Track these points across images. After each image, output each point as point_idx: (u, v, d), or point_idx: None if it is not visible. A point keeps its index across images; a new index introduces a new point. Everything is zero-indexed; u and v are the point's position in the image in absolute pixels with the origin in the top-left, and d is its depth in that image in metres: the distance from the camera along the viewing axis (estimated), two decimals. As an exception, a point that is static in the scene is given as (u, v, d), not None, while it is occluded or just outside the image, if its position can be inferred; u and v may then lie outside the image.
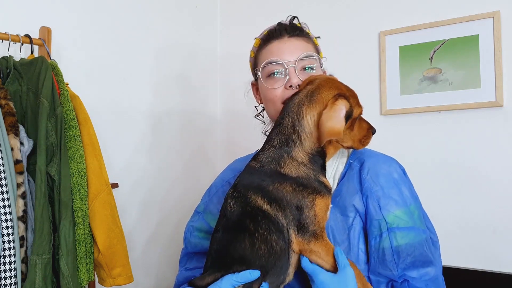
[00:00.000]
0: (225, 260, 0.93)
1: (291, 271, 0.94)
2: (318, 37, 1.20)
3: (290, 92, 1.05)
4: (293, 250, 0.91)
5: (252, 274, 0.89)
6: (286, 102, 1.01)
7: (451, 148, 1.84)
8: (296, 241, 0.91)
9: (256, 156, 0.99)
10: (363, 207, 1.01)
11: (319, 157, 0.96)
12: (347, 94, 0.97)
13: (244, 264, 0.91)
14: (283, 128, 0.97)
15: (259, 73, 1.12)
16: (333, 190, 1.05)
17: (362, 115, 1.02)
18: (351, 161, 1.08)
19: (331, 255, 0.91)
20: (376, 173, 1.03)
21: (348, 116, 0.96)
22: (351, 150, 1.12)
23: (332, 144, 0.99)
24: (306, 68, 1.08)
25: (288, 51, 1.09)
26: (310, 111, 0.95)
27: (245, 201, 0.93)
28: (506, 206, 1.73)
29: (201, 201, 1.27)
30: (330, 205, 0.97)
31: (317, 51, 1.15)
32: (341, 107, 0.93)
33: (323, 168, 0.97)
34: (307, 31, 1.16)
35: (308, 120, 0.95)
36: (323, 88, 0.97)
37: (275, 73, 1.08)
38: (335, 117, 0.92)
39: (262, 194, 0.92)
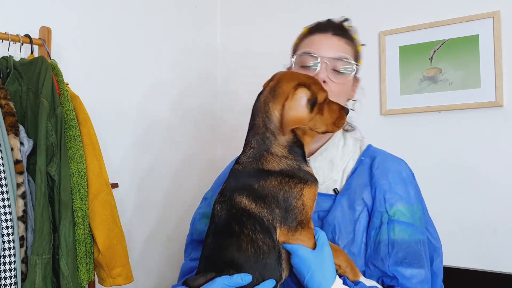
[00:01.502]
0: (217, 264, 0.94)
1: (286, 266, 0.95)
2: (364, 44, 1.21)
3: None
4: (278, 242, 0.92)
5: (244, 279, 0.90)
6: (254, 103, 1.02)
7: (451, 148, 1.84)
8: (281, 232, 0.92)
9: (238, 159, 1.00)
10: (371, 200, 1.04)
11: (298, 148, 0.98)
12: (307, 82, 0.98)
13: (234, 267, 0.91)
14: (256, 128, 0.98)
15: (293, 60, 1.15)
16: (342, 184, 1.09)
17: (330, 99, 1.03)
18: (362, 158, 1.11)
19: (313, 239, 0.94)
20: (385, 168, 1.07)
21: (313, 103, 0.97)
22: (363, 147, 1.15)
23: (306, 133, 1.00)
24: (340, 70, 1.10)
25: (326, 47, 1.11)
26: (276, 106, 0.96)
27: (230, 204, 0.94)
28: (506, 206, 1.73)
29: (210, 188, 1.29)
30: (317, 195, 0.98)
31: (356, 57, 1.16)
32: (301, 96, 0.95)
33: (304, 158, 0.99)
34: (354, 36, 1.18)
35: (276, 115, 0.96)
36: (283, 81, 0.99)
37: (308, 66, 1.11)
38: (296, 106, 0.94)
39: (247, 193, 0.93)
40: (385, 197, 1.02)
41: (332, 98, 1.07)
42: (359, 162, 1.11)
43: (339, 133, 1.16)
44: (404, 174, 1.07)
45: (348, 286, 0.93)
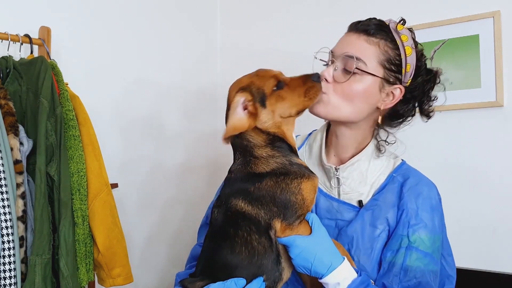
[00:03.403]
0: (213, 269, 0.95)
1: (286, 265, 0.94)
2: (422, 47, 1.10)
3: (322, 84, 1.03)
4: (276, 241, 0.92)
5: (237, 283, 0.90)
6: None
7: (451, 148, 1.84)
8: (280, 228, 0.91)
9: (230, 169, 1.00)
10: (395, 223, 1.02)
11: (280, 142, 0.96)
12: (247, 82, 0.97)
13: (228, 272, 0.92)
14: (236, 139, 0.98)
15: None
16: (368, 198, 1.06)
17: (291, 79, 0.98)
18: (394, 174, 1.08)
19: (310, 228, 0.93)
20: (417, 192, 1.04)
21: (262, 98, 0.95)
22: (397, 163, 1.11)
23: (282, 123, 0.97)
24: (348, 69, 1.03)
25: (340, 44, 1.07)
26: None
27: (226, 207, 0.95)
28: (506, 206, 1.73)
29: None
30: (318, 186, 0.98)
31: (383, 57, 1.03)
32: (236, 102, 0.94)
33: (291, 150, 0.97)
34: (402, 37, 1.05)
35: None
36: (230, 92, 0.99)
37: (325, 63, 1.08)
38: (232, 115, 0.94)
39: (242, 197, 0.93)
40: (409, 222, 1.00)
41: (339, 98, 1.03)
42: (390, 178, 1.08)
43: (372, 143, 1.12)
44: (433, 201, 1.05)
45: (355, 272, 0.92)
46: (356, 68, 1.01)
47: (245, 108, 0.95)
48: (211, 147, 2.46)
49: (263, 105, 0.95)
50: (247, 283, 0.90)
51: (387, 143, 1.13)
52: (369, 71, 1.02)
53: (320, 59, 1.10)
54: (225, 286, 0.89)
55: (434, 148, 1.87)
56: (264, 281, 0.91)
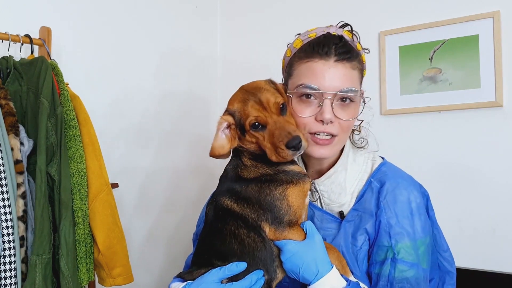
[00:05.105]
0: (206, 259, 0.98)
1: (280, 263, 0.95)
2: (367, 50, 1.07)
3: (318, 126, 0.99)
4: (269, 240, 0.94)
5: (239, 266, 0.92)
6: None
7: (451, 148, 1.84)
8: (270, 231, 0.93)
9: (224, 168, 1.05)
10: (374, 231, 1.01)
11: (264, 157, 0.97)
12: (235, 107, 0.99)
13: (221, 259, 0.95)
14: None
15: (290, 92, 1.03)
16: (349, 207, 1.05)
17: (274, 124, 0.94)
18: (372, 179, 1.05)
19: (303, 235, 0.94)
20: (394, 198, 1.01)
21: (242, 128, 0.98)
22: (375, 165, 1.08)
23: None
24: (344, 99, 0.99)
25: (330, 79, 0.97)
26: None
27: (216, 204, 0.99)
28: (506, 206, 1.73)
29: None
30: (309, 192, 1.00)
31: (362, 73, 1.05)
32: (220, 125, 0.99)
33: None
34: (357, 45, 1.04)
35: None
36: (227, 105, 1.03)
37: (309, 96, 0.99)
38: (215, 137, 1.00)
39: (229, 195, 0.97)
40: (390, 232, 0.98)
41: (345, 134, 1.01)
42: (368, 184, 1.05)
43: (347, 147, 1.08)
44: (413, 205, 1.00)
45: (344, 280, 0.92)
46: (353, 98, 1.02)
47: (229, 127, 0.99)
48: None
49: (243, 135, 0.98)
50: (245, 271, 0.92)
51: (362, 139, 1.13)
52: (361, 96, 1.04)
53: (303, 95, 1.01)
54: (226, 268, 0.92)
55: (434, 148, 1.88)
56: (263, 275, 0.93)
